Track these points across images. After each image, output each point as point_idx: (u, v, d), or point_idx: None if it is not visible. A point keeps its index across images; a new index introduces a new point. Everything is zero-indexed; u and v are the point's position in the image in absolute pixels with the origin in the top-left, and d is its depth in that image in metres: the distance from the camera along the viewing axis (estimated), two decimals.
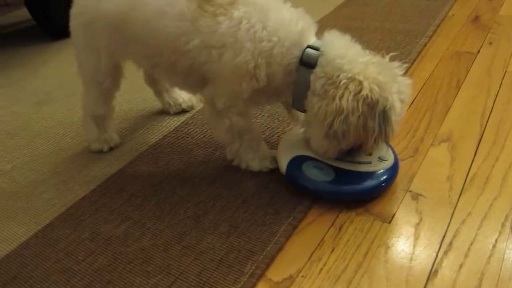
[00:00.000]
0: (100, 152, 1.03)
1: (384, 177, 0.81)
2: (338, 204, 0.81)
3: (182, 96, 1.14)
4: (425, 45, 1.35)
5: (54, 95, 1.33)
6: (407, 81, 0.77)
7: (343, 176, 0.81)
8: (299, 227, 0.77)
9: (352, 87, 0.71)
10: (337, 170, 0.81)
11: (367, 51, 0.79)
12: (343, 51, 0.76)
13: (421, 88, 1.14)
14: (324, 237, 0.75)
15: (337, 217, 0.78)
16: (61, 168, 1.00)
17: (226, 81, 0.80)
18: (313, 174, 0.81)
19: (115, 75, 0.96)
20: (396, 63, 0.77)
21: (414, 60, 1.27)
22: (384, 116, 0.72)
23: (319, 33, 0.82)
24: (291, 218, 0.78)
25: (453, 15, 1.57)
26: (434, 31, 1.44)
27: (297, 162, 0.83)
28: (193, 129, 1.07)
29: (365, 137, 0.74)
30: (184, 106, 1.14)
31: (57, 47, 1.72)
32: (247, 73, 0.77)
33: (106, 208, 0.86)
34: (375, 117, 0.72)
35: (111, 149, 1.03)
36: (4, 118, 1.24)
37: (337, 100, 0.72)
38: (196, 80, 0.85)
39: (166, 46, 0.82)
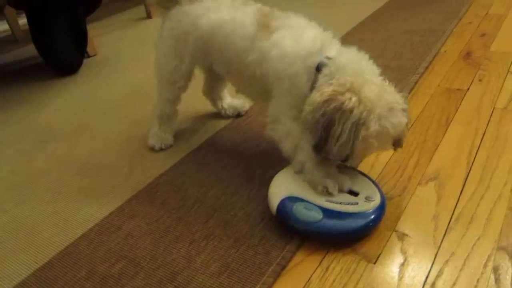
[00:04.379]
0: (152, 149, 1.21)
1: (370, 217, 0.83)
2: (326, 244, 0.83)
3: (234, 103, 1.33)
4: (416, 82, 1.39)
5: (57, 132, 1.38)
6: (403, 118, 0.83)
7: (330, 216, 0.83)
8: (287, 267, 0.80)
9: (333, 87, 0.80)
10: (325, 211, 0.84)
11: (385, 80, 0.87)
12: (355, 60, 0.87)
13: (411, 126, 1.17)
14: (311, 277, 0.77)
15: (324, 257, 0.81)
16: (61, 207, 1.03)
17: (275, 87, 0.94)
18: (302, 215, 0.84)
19: (189, 77, 1.14)
20: (402, 100, 0.84)
21: (406, 98, 1.30)
22: (356, 129, 0.78)
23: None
24: (280, 258, 0.81)
25: (445, 51, 1.61)
26: (426, 68, 1.49)
27: (287, 203, 0.86)
28: (188, 168, 1.11)
29: (327, 138, 0.79)
30: (239, 108, 1.33)
31: (62, 84, 1.78)
32: (276, 77, 0.92)
33: (103, 246, 0.89)
34: (344, 125, 0.78)
35: (161, 149, 1.20)
36: (9, 155, 1.29)
37: (317, 94, 0.81)
38: (257, 90, 1.01)
39: (234, 57, 1.01)
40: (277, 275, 0.78)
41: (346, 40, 1.80)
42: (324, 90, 0.80)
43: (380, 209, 0.85)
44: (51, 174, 1.17)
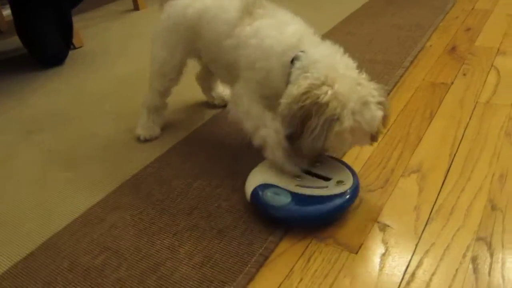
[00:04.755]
0: (138, 139, 1.21)
1: (339, 201, 0.84)
2: (309, 235, 0.84)
3: (224, 93, 1.33)
4: (401, 76, 1.40)
5: (43, 124, 1.37)
6: (378, 113, 0.82)
7: (299, 200, 0.85)
8: (270, 257, 0.80)
9: (309, 81, 0.80)
10: (293, 195, 0.85)
11: (362, 73, 0.86)
12: (328, 53, 0.86)
13: (396, 119, 1.18)
14: (293, 267, 0.78)
15: (306, 247, 0.82)
16: (45, 198, 1.03)
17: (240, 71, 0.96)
18: (271, 199, 0.86)
19: (180, 70, 1.15)
20: (378, 93, 0.83)
21: (391, 91, 1.32)
22: (329, 123, 0.78)
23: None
24: (263, 248, 0.81)
25: (431, 45, 1.62)
26: (412, 62, 1.50)
27: (259, 189, 0.88)
28: (174, 159, 1.11)
29: (302, 131, 0.80)
30: (227, 99, 1.31)
31: (47, 75, 1.76)
32: (250, 65, 0.92)
33: (86, 238, 0.89)
34: (320, 120, 0.78)
35: (146, 140, 1.21)
36: None
37: (294, 88, 0.81)
38: (234, 76, 0.99)
39: (213, 41, 1.01)
40: (260, 266, 0.78)
41: (334, 33, 1.82)
42: (300, 83, 0.81)
43: (352, 193, 0.85)
44: (36, 165, 1.16)
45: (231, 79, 1.05)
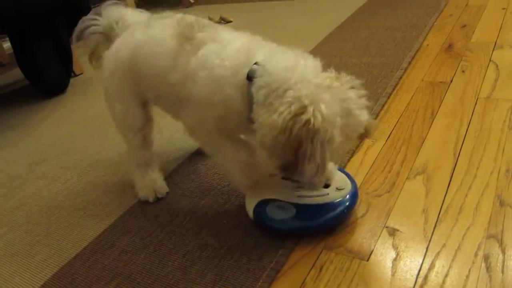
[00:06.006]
0: (147, 202, 1.05)
1: (342, 206, 0.86)
2: (318, 245, 0.84)
3: None
4: (400, 78, 1.40)
5: (48, 154, 1.39)
6: (362, 116, 0.76)
7: (304, 210, 0.86)
8: (281, 270, 0.80)
9: (294, 107, 0.71)
10: (297, 206, 0.86)
11: (330, 71, 0.78)
12: (290, 63, 0.77)
13: (397, 122, 1.18)
14: (305, 279, 0.78)
15: (317, 258, 0.81)
16: (54, 228, 1.03)
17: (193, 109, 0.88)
18: (276, 214, 0.87)
19: (144, 117, 1.03)
20: (355, 93, 0.76)
21: (391, 94, 1.32)
22: (326, 145, 0.72)
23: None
24: (274, 262, 0.81)
25: (427, 45, 1.63)
26: (409, 63, 1.50)
27: (261, 205, 0.89)
28: (180, 179, 1.11)
29: (297, 160, 0.72)
30: None
31: (51, 105, 1.78)
32: (205, 101, 0.83)
33: (98, 264, 0.90)
34: (314, 145, 0.71)
35: (158, 199, 1.05)
36: (1, 180, 1.29)
37: (275, 116, 0.72)
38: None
39: (158, 79, 0.92)
40: (271, 280, 0.78)
41: (328, 42, 1.82)
42: (280, 110, 0.72)
43: (352, 197, 0.88)
44: (42, 195, 1.17)
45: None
